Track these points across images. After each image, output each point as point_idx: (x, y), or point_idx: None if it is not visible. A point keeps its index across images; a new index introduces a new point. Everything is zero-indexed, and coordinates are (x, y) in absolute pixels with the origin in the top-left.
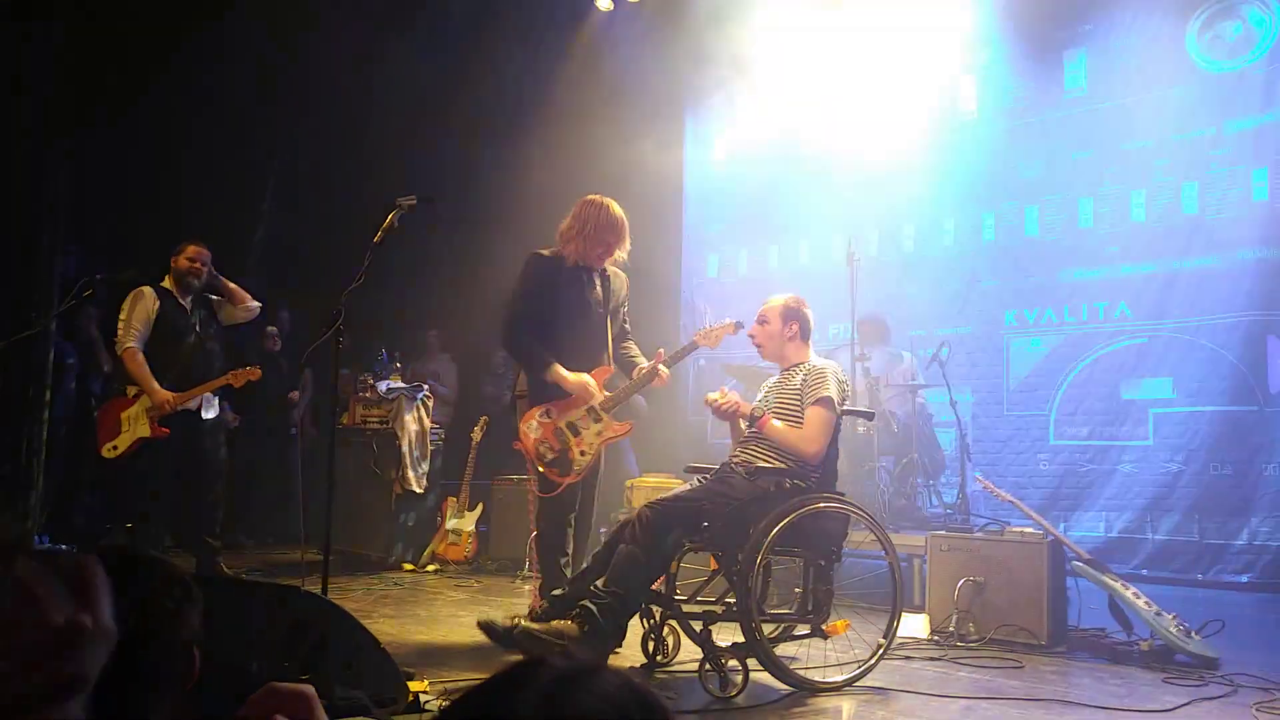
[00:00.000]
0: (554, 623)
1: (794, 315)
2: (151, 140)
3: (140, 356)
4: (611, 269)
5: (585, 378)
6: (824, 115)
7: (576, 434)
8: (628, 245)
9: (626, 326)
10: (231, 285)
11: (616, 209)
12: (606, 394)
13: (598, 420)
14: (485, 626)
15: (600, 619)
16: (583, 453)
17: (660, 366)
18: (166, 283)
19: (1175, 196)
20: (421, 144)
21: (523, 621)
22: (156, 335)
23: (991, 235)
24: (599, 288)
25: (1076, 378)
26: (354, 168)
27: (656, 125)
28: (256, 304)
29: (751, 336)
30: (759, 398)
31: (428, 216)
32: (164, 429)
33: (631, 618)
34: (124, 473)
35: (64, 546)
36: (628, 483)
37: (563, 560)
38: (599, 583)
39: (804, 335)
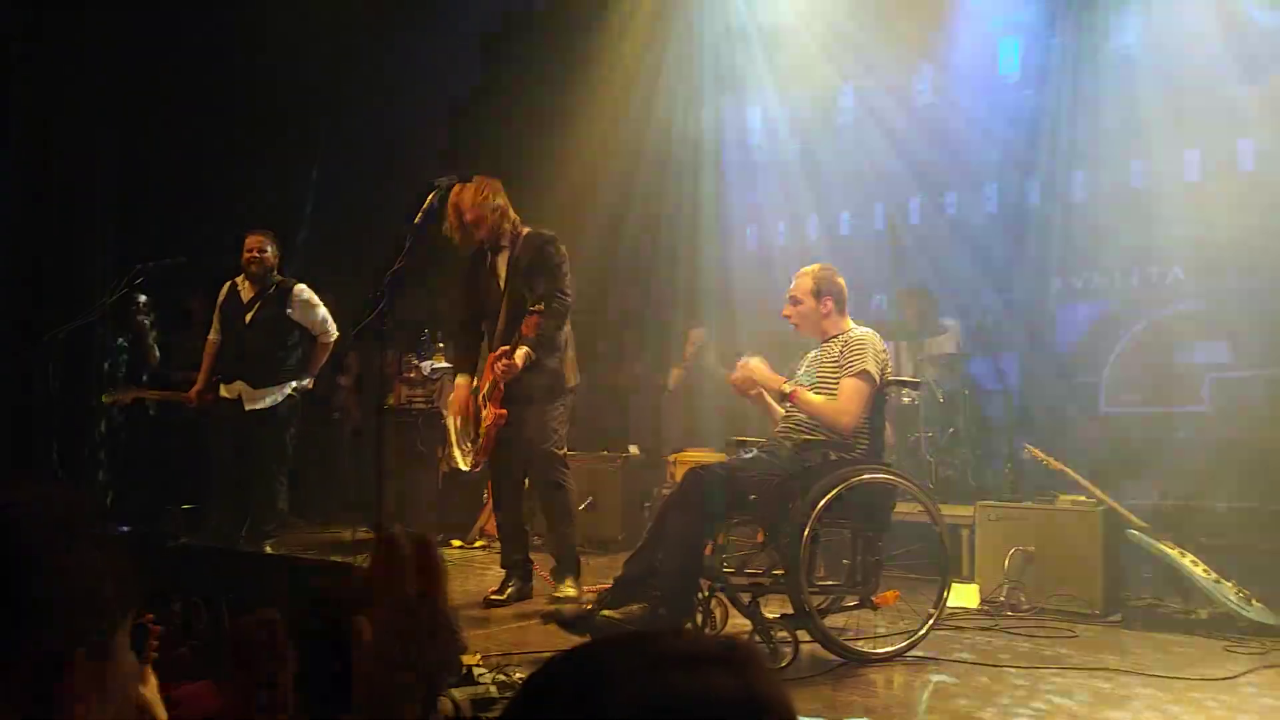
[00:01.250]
0: (631, 607)
1: (827, 289)
2: (199, 126)
3: (208, 345)
4: (524, 235)
5: (460, 390)
6: (861, 82)
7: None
8: (467, 217)
9: (526, 295)
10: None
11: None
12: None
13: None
14: (558, 620)
15: (667, 596)
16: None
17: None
18: (243, 274)
19: (1231, 154)
20: (458, 122)
21: (602, 611)
22: (218, 325)
23: (1036, 199)
24: (496, 264)
25: (1129, 344)
26: (395, 147)
27: (690, 96)
28: (330, 338)
29: (786, 317)
30: (800, 370)
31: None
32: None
33: (697, 587)
34: (180, 457)
35: (124, 528)
36: (670, 457)
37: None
38: (660, 557)
39: (839, 307)
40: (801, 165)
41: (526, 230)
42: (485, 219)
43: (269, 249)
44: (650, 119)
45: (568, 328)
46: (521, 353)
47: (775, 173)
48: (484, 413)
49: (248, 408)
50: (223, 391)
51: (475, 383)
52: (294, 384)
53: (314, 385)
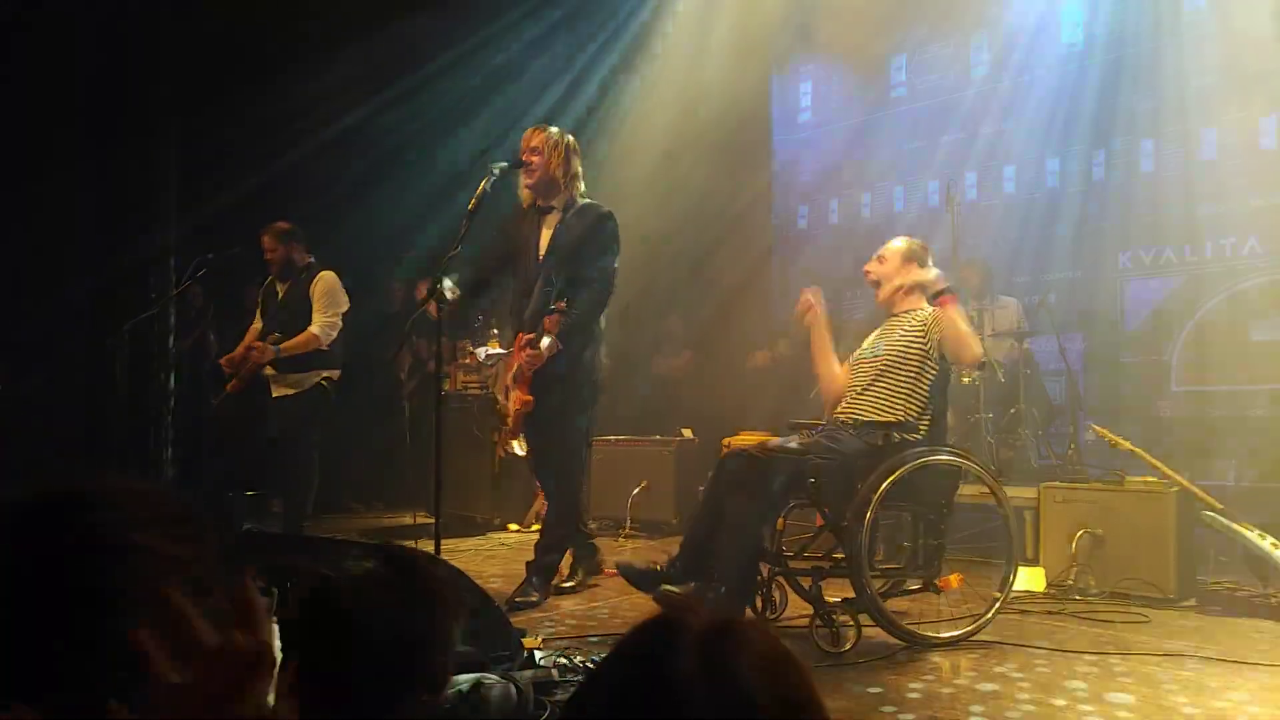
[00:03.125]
0: (690, 585)
1: (914, 258)
2: (258, 118)
3: (248, 334)
4: (579, 205)
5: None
6: (914, 55)
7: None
8: (525, 155)
9: (562, 278)
10: (303, 335)
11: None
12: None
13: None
14: (623, 571)
15: (726, 580)
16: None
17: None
18: None
19: None
20: (510, 104)
21: (663, 585)
22: (260, 314)
23: (1102, 173)
24: (540, 231)
25: (1201, 319)
26: (455, 132)
27: (743, 73)
28: (315, 334)
29: (866, 273)
30: (866, 343)
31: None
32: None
33: (756, 572)
34: (244, 445)
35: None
36: (725, 441)
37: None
38: (721, 541)
39: (948, 291)
40: (855, 140)
41: (585, 201)
42: (543, 165)
43: (278, 244)
44: (700, 96)
45: (603, 318)
46: (546, 344)
47: (827, 149)
48: (511, 395)
49: (274, 394)
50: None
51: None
52: (324, 373)
53: (375, 375)
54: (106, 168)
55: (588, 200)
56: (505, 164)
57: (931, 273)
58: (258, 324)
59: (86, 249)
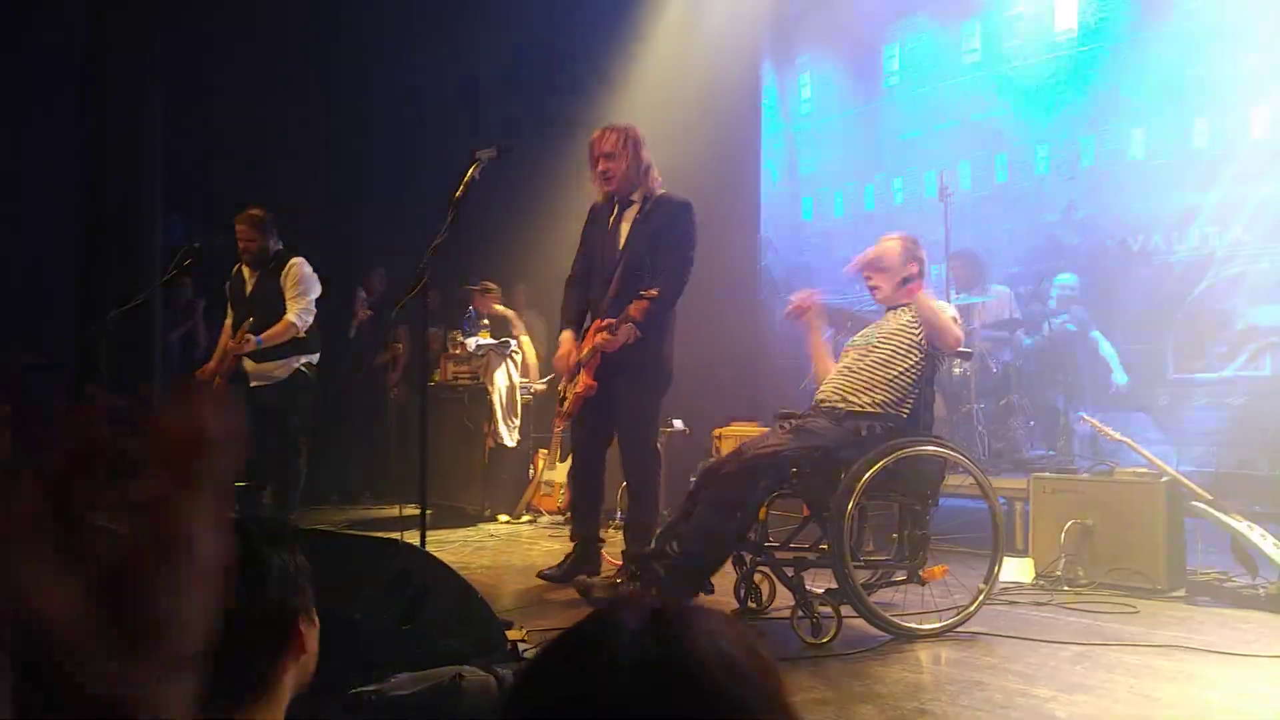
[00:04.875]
0: (619, 585)
1: (912, 256)
2: (247, 105)
3: (223, 330)
4: (657, 197)
5: (565, 345)
6: (908, 45)
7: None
8: (602, 163)
9: (645, 265)
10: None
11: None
12: (594, 348)
13: (573, 378)
14: (581, 592)
15: (666, 579)
16: (562, 400)
17: (603, 334)
18: None
19: None
20: (497, 95)
21: (587, 579)
22: (230, 308)
23: (1091, 160)
24: (620, 222)
25: (1189, 307)
26: (438, 119)
27: (736, 69)
28: (292, 322)
29: (867, 278)
30: (865, 330)
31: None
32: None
33: (710, 576)
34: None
35: None
36: (715, 432)
37: (585, 504)
38: (674, 544)
39: (920, 278)
40: (853, 133)
41: (662, 192)
42: (619, 167)
43: (255, 233)
44: (700, 87)
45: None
46: (626, 329)
47: (828, 142)
48: (578, 377)
49: (252, 384)
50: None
51: (579, 344)
52: (303, 358)
53: (363, 365)
54: (92, 157)
55: (665, 191)
56: (494, 150)
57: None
58: (229, 318)
59: (72, 238)
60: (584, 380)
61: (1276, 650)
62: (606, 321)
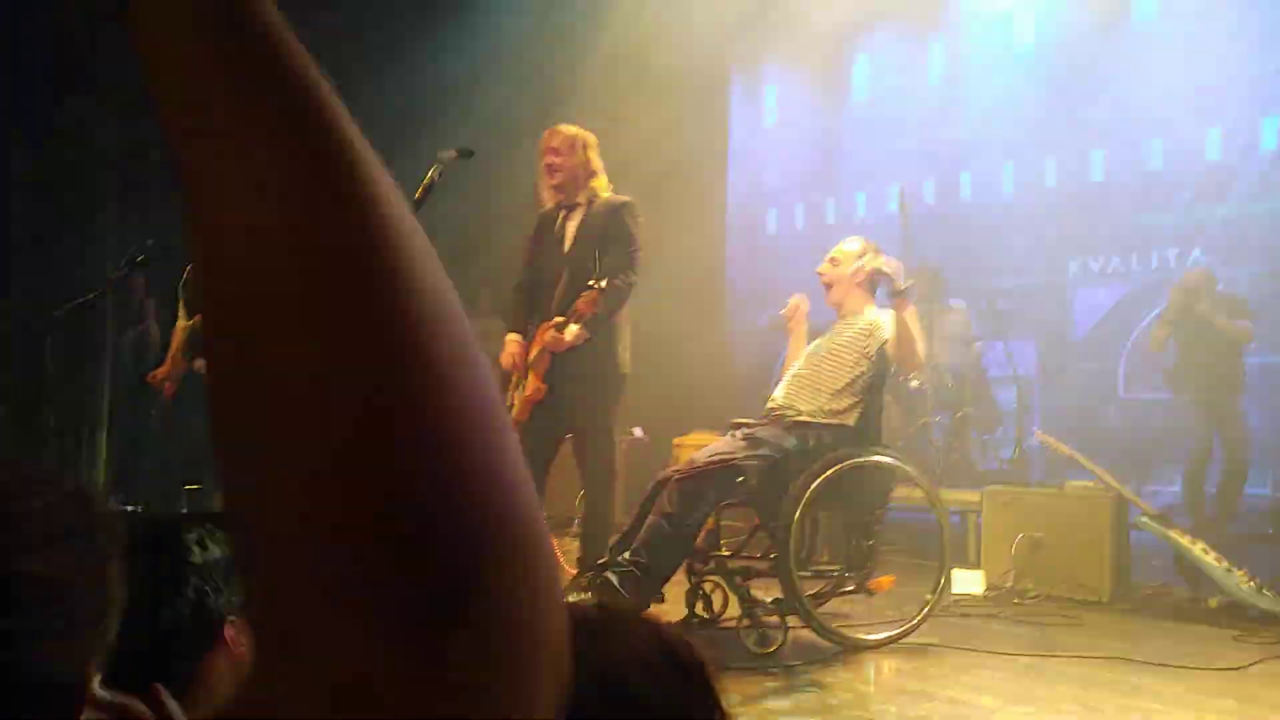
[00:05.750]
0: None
1: (870, 260)
2: None
3: (175, 331)
4: (601, 199)
5: (510, 347)
6: (874, 60)
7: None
8: (546, 159)
9: (591, 266)
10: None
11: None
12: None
13: (519, 383)
14: None
15: (621, 590)
16: (510, 406)
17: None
18: None
19: (1254, 133)
20: (457, 102)
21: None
22: (183, 309)
23: (1053, 180)
24: (565, 226)
25: (1149, 328)
26: (392, 124)
27: (699, 81)
28: None
29: (820, 274)
30: (820, 339)
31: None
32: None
33: (663, 584)
34: (182, 439)
35: (130, 507)
36: (675, 440)
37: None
38: (625, 554)
39: (872, 285)
40: (819, 146)
41: (606, 195)
42: (563, 165)
43: None
44: (668, 95)
45: (626, 309)
46: (574, 331)
47: (792, 154)
48: (525, 381)
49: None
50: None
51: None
52: None
53: None
54: (45, 152)
55: (609, 195)
56: (455, 152)
57: (892, 263)
58: (183, 321)
59: (25, 234)
60: (532, 383)
61: (1216, 663)
62: (555, 320)
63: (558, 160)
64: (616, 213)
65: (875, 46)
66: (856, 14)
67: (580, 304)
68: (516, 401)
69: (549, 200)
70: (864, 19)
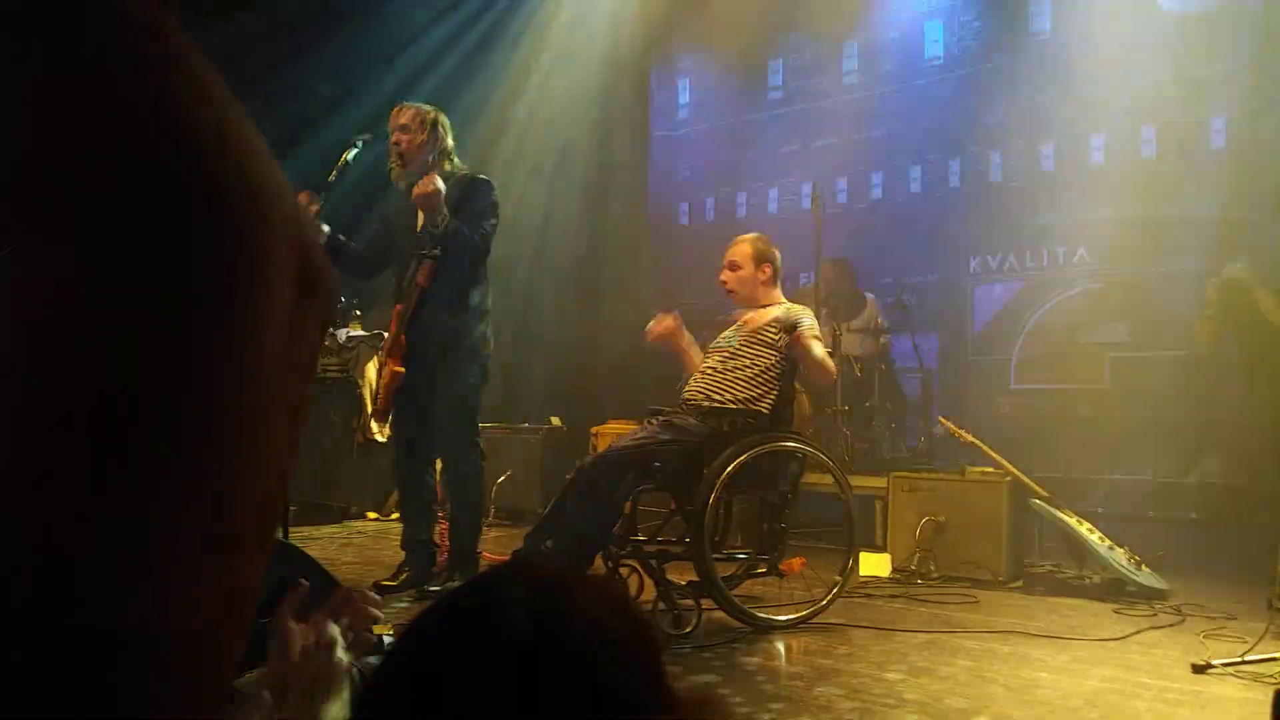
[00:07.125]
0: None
1: (765, 257)
2: None
3: None
4: (456, 177)
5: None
6: (791, 60)
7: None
8: (394, 134)
9: (433, 235)
10: None
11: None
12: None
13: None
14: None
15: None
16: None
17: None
18: None
19: (1134, 141)
20: (380, 90)
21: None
22: None
23: (957, 181)
24: (416, 208)
25: (1037, 323)
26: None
27: (619, 71)
28: None
29: (723, 283)
30: (725, 334)
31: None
32: None
33: (587, 566)
34: None
35: None
36: (594, 429)
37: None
38: (548, 542)
39: (774, 277)
40: (733, 140)
41: (459, 172)
42: (412, 141)
43: None
44: (591, 86)
45: (490, 291)
46: (425, 268)
47: (705, 148)
48: (384, 369)
49: None
50: None
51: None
52: None
53: None
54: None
55: (463, 170)
56: (369, 136)
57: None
58: None
59: None
60: (390, 368)
61: (1099, 634)
62: (403, 307)
63: (403, 139)
64: (471, 187)
65: (792, 48)
66: (773, 15)
67: (420, 276)
68: (380, 393)
69: (397, 177)
70: (782, 20)
